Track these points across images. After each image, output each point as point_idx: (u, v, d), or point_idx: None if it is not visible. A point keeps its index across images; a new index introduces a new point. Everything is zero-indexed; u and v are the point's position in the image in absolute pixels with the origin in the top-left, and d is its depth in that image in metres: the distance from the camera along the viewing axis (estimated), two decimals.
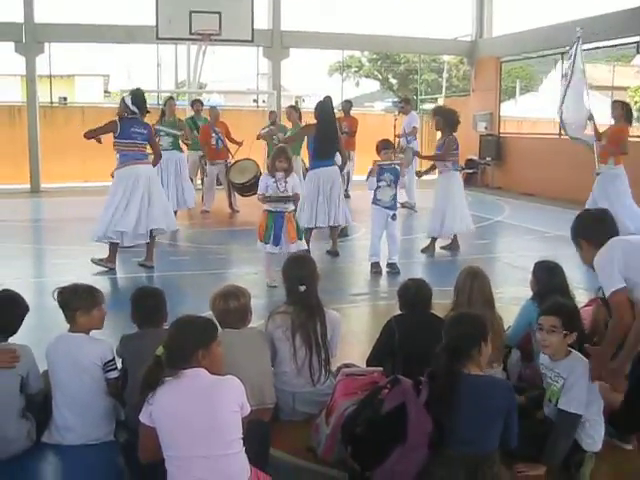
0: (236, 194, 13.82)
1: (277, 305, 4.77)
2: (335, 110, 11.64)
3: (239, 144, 13.85)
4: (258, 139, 14.10)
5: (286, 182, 7.75)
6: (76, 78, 38.55)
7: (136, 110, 8.56)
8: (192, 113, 14.65)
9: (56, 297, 4.30)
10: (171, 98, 12.66)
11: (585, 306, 5.31)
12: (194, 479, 3.14)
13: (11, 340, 4.21)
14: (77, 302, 4.26)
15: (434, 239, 10.06)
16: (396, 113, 16.08)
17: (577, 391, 3.83)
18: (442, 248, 10.17)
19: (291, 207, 7.88)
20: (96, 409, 4.19)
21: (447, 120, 10.00)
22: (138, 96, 8.70)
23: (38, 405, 4.23)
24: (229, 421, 3.22)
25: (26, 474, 3.95)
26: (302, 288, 4.56)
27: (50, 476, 4.09)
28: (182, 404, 3.19)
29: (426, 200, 11.57)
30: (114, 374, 4.25)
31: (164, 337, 3.40)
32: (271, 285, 7.77)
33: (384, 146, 8.68)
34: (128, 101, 8.56)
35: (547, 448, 3.82)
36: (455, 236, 10.24)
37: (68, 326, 4.33)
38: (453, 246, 10.24)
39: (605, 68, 28.76)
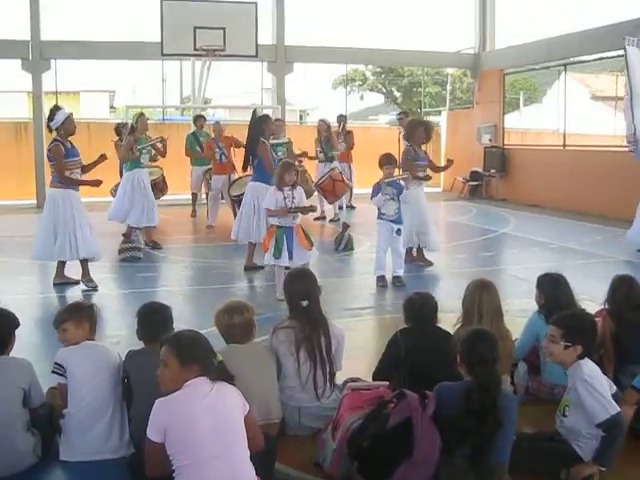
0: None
1: (281, 320, 4.76)
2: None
3: (237, 143, 13.88)
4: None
5: (294, 197, 7.78)
6: (82, 94, 38.73)
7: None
8: (194, 129, 14.75)
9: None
10: (142, 114, 12.03)
11: None
12: None
13: (12, 354, 4.22)
14: (92, 315, 4.45)
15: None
16: (400, 127, 16.09)
17: (594, 399, 3.81)
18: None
19: (298, 220, 7.90)
20: (112, 415, 4.20)
21: (406, 130, 10.39)
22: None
23: (43, 420, 4.22)
24: (236, 419, 3.35)
25: None
26: (304, 303, 4.55)
27: None
28: (193, 411, 3.25)
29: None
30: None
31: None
32: (280, 299, 7.74)
33: (386, 161, 8.68)
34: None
35: (600, 450, 3.81)
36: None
37: None
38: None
39: (609, 79, 28.78)
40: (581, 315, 4.27)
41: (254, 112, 10.32)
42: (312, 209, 8.11)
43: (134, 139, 11.00)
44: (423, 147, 10.12)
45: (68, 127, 8.28)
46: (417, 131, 9.90)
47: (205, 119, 15.26)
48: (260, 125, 9.70)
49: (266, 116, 10.29)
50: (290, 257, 7.74)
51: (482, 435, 3.52)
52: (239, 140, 13.92)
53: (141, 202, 11.17)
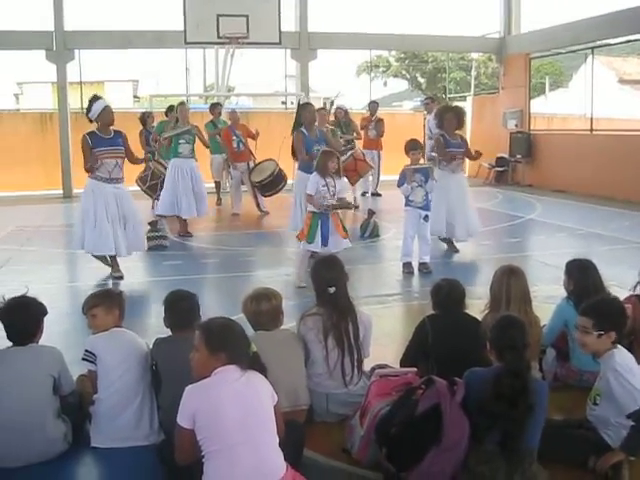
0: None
1: (308, 307, 4.76)
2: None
3: (255, 136, 13.98)
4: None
5: (335, 185, 7.77)
6: (106, 84, 38.92)
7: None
8: (211, 117, 14.78)
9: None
10: (182, 102, 12.20)
11: None
12: (240, 469, 3.19)
13: (42, 342, 4.27)
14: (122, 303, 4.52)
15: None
16: (425, 112, 16.02)
17: (624, 389, 3.77)
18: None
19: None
20: (141, 401, 4.25)
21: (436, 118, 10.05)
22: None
23: (73, 407, 4.27)
24: (265, 406, 3.37)
25: (63, 477, 3.98)
26: (332, 290, 4.55)
27: (87, 479, 4.11)
28: (222, 398, 3.27)
29: None
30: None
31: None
32: (299, 286, 7.79)
33: (412, 147, 8.63)
34: None
35: (629, 438, 3.74)
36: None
37: None
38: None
39: (636, 62, 28.44)
40: (609, 301, 4.21)
41: (299, 102, 10.33)
42: (351, 206, 8.19)
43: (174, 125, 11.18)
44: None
45: (105, 117, 8.32)
46: (446, 117, 9.79)
47: (222, 106, 15.29)
48: (297, 113, 9.78)
49: (305, 104, 10.20)
50: (325, 244, 7.70)
51: (513, 420, 3.49)
52: (250, 132, 13.94)
53: (186, 192, 11.38)
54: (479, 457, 3.53)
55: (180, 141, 11.29)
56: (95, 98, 8.43)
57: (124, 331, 4.43)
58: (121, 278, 8.51)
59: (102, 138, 8.30)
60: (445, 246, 10.13)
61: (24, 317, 4.17)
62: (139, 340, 4.44)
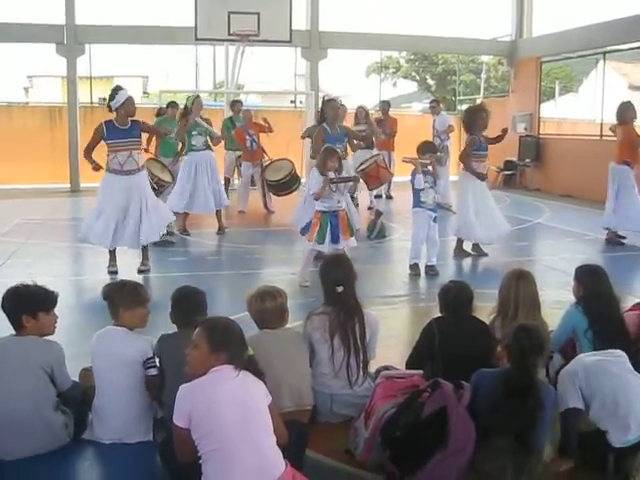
0: (271, 195, 13.83)
1: (315, 306, 4.71)
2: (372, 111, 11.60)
3: (269, 129, 13.81)
4: (303, 138, 13.89)
5: None
6: (115, 79, 38.94)
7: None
8: (231, 114, 14.73)
9: (103, 291, 4.38)
10: (198, 96, 11.77)
11: (629, 310, 5.18)
12: (239, 468, 3.15)
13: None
14: (122, 298, 4.33)
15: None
16: (432, 114, 15.96)
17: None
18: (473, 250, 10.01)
19: (344, 205, 7.85)
20: (135, 405, 4.22)
21: (466, 119, 9.77)
22: None
23: (76, 401, 4.25)
24: (260, 405, 3.33)
25: (63, 470, 3.96)
26: (339, 289, 4.51)
27: (86, 473, 4.08)
28: (216, 397, 3.24)
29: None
30: (153, 371, 4.27)
31: None
32: (303, 285, 7.78)
33: (425, 149, 8.56)
34: None
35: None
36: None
37: (105, 325, 4.40)
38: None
39: None
40: None
41: (324, 98, 10.13)
42: (355, 179, 8.03)
43: (186, 121, 10.98)
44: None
45: (128, 108, 8.33)
46: (480, 117, 9.53)
47: (242, 104, 15.19)
48: (321, 109, 9.70)
49: (330, 100, 9.74)
50: (335, 241, 7.66)
51: (522, 417, 3.47)
52: (263, 127, 13.82)
53: (202, 187, 11.19)
54: (486, 455, 3.50)
55: (193, 133, 11.21)
56: (118, 88, 8.46)
57: (115, 329, 4.34)
58: (115, 273, 8.45)
59: (118, 129, 8.31)
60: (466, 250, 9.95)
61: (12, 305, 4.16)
62: (131, 338, 4.32)
